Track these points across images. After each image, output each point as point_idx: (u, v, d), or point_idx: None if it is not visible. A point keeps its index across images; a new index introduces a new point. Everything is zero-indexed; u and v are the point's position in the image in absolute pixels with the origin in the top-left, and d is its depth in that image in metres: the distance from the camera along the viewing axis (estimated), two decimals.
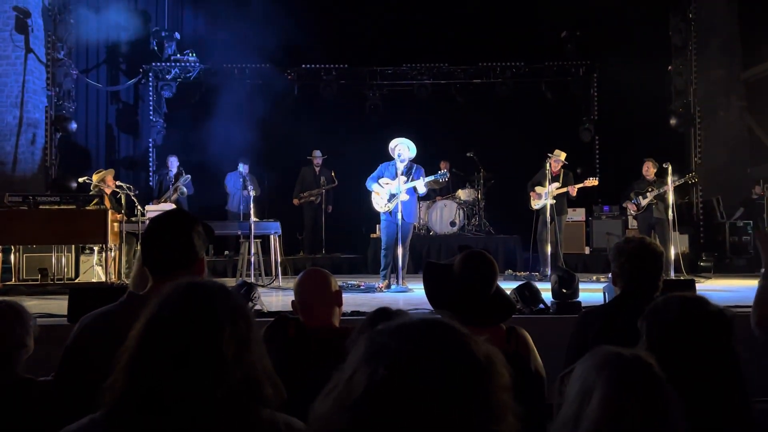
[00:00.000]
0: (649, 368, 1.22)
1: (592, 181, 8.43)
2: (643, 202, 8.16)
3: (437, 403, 0.84)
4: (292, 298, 2.40)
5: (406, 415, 0.83)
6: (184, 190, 9.31)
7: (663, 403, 1.18)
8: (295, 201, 10.35)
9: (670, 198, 7.77)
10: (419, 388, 0.84)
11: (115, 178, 8.03)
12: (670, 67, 10.64)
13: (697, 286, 4.87)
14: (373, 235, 9.87)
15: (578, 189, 8.26)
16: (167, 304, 1.26)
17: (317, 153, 10.49)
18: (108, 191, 7.79)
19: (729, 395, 1.54)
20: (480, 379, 0.88)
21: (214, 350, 1.21)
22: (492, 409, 0.87)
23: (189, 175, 9.44)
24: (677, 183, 8.01)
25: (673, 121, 10.40)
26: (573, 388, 1.23)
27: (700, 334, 1.57)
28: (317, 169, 10.47)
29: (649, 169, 8.24)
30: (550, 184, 8.10)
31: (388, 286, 7.05)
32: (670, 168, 7.81)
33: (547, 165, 8.15)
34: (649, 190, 8.12)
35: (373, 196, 7.15)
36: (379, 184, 7.09)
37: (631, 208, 8.39)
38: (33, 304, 5.37)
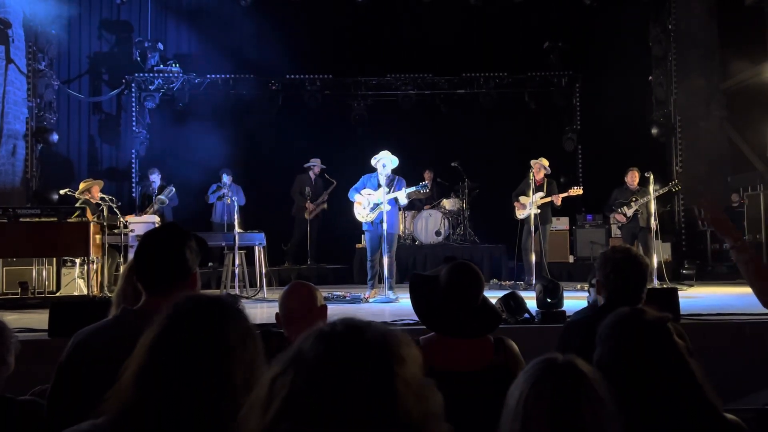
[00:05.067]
0: (571, 372, 1.23)
1: (576, 191, 8.48)
2: (629, 212, 8.17)
3: (331, 382, 0.85)
4: (277, 310, 2.39)
5: (306, 399, 0.86)
6: (165, 200, 9.24)
7: (577, 406, 1.19)
8: (307, 215, 10.17)
9: (652, 207, 7.84)
10: (312, 373, 0.87)
11: (99, 191, 7.95)
12: (650, 78, 10.78)
13: (680, 293, 4.92)
14: (358, 246, 9.85)
15: (562, 198, 8.30)
16: (180, 319, 1.27)
17: (316, 161, 10.41)
18: (93, 202, 7.71)
19: (685, 403, 1.55)
20: (369, 363, 0.88)
21: (224, 372, 1.23)
22: (391, 380, 0.87)
23: (173, 187, 9.38)
24: (661, 191, 8.07)
25: (654, 131, 10.53)
26: (508, 392, 1.27)
27: (639, 348, 1.58)
28: (313, 176, 10.43)
29: (634, 178, 8.24)
30: (534, 193, 8.15)
31: (375, 296, 7.06)
32: (651, 177, 7.89)
33: (531, 175, 8.21)
34: (634, 199, 8.14)
35: (355, 206, 7.26)
36: (361, 194, 7.17)
37: (620, 219, 8.34)
38: (13, 319, 5.28)
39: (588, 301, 4.94)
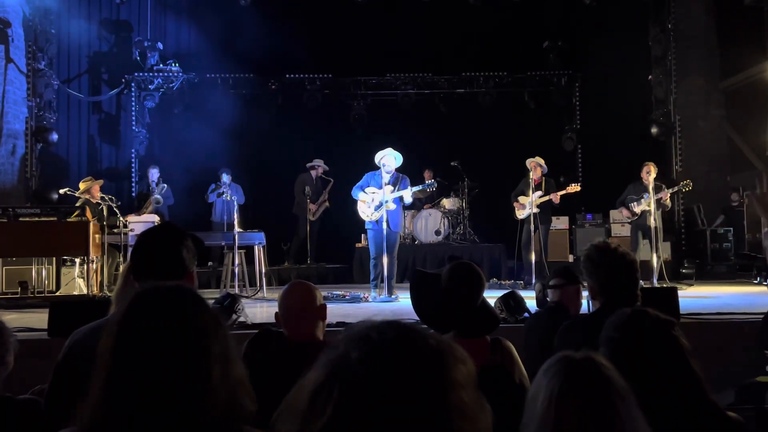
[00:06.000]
0: (594, 367, 1.24)
1: (574, 187, 8.43)
2: (637, 209, 8.01)
3: (381, 404, 0.79)
4: (277, 310, 2.39)
5: (353, 420, 0.79)
6: (161, 198, 9.25)
7: (607, 400, 1.20)
8: (311, 216, 10.16)
9: (653, 206, 7.81)
10: (358, 389, 0.80)
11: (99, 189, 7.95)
12: (650, 77, 10.78)
13: (679, 293, 4.92)
14: (358, 245, 9.85)
15: (561, 196, 8.27)
16: (142, 316, 1.18)
17: (319, 161, 10.41)
18: (93, 201, 7.71)
19: (689, 403, 1.56)
20: (424, 376, 0.82)
21: (199, 370, 1.15)
22: (446, 406, 0.81)
23: (165, 185, 9.41)
24: (672, 190, 8.03)
25: (654, 130, 10.52)
26: (528, 395, 1.27)
27: (645, 348, 1.58)
28: (315, 176, 10.43)
29: (651, 173, 7.93)
30: (533, 193, 8.14)
31: (376, 297, 7.04)
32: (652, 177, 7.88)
33: (531, 174, 8.19)
34: (644, 196, 7.94)
35: (360, 204, 7.17)
36: (366, 192, 7.11)
37: (626, 215, 8.18)
38: (12, 318, 5.29)
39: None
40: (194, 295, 1.27)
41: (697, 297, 6.75)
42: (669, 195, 7.96)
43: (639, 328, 1.60)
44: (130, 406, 1.12)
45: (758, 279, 8.04)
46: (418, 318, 2.72)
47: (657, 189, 7.87)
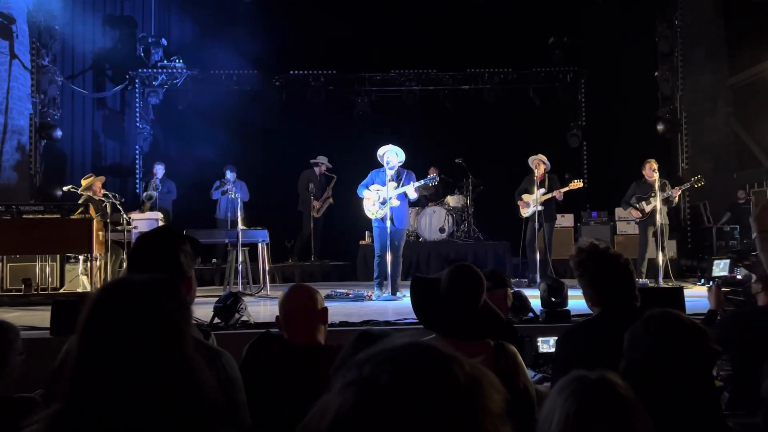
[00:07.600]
0: (610, 387, 1.22)
1: (577, 184, 8.33)
2: (647, 208, 7.88)
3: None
4: (277, 313, 2.36)
5: None
6: (152, 194, 9.27)
7: (625, 420, 1.18)
8: (315, 213, 10.15)
9: (658, 204, 7.74)
10: (390, 417, 0.75)
11: (102, 186, 7.95)
12: (656, 73, 10.71)
13: (685, 291, 4.88)
14: (362, 242, 9.82)
15: (565, 192, 8.20)
16: (113, 310, 1.18)
17: (323, 158, 10.38)
18: (96, 198, 7.71)
19: (705, 411, 1.55)
20: (460, 404, 0.78)
21: (177, 369, 1.14)
22: None
23: (158, 181, 9.47)
24: (684, 187, 7.95)
25: (660, 127, 10.45)
26: (541, 414, 1.25)
27: (677, 354, 1.57)
28: (318, 173, 10.41)
29: (653, 170, 7.80)
30: (538, 189, 8.08)
31: (380, 295, 7.00)
32: (657, 174, 7.81)
33: (536, 172, 8.13)
34: (653, 195, 7.80)
35: (365, 202, 7.11)
36: (370, 190, 7.05)
37: (635, 214, 8.07)
38: (15, 316, 5.29)
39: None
40: (165, 286, 1.25)
41: (702, 296, 6.67)
42: (679, 192, 7.88)
43: (673, 337, 1.58)
44: (96, 398, 1.10)
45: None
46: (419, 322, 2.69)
47: (663, 186, 7.80)
